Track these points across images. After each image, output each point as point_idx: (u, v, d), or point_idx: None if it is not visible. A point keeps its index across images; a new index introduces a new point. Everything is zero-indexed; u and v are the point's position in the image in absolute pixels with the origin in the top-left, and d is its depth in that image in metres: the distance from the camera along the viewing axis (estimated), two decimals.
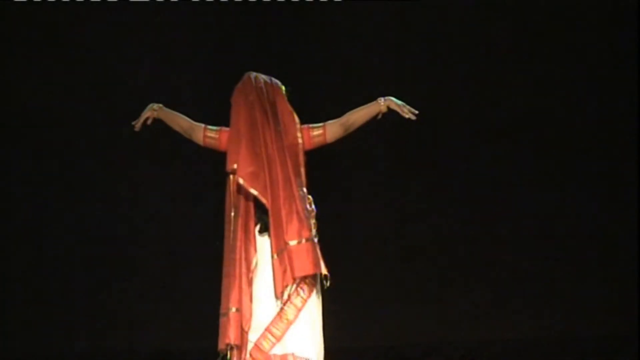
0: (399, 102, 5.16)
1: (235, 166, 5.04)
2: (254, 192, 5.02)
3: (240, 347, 4.99)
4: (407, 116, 5.13)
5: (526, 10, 7.83)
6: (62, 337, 7.70)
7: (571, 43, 7.84)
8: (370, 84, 7.46)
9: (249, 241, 5.04)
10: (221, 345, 4.99)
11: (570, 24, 7.85)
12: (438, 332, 7.77)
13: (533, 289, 7.88)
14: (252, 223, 5.06)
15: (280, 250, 4.98)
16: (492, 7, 7.82)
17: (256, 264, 5.03)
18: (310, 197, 5.14)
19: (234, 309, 4.97)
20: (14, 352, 7.60)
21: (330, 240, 5.15)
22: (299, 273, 4.96)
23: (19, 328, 7.65)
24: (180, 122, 5.25)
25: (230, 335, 4.95)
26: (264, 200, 5.02)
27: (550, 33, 7.85)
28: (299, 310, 4.99)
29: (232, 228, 5.06)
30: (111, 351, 7.66)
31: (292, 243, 4.97)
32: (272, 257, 5.01)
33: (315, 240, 5.04)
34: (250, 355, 4.98)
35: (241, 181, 5.02)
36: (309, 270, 4.96)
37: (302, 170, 5.13)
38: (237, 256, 5.01)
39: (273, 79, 5.24)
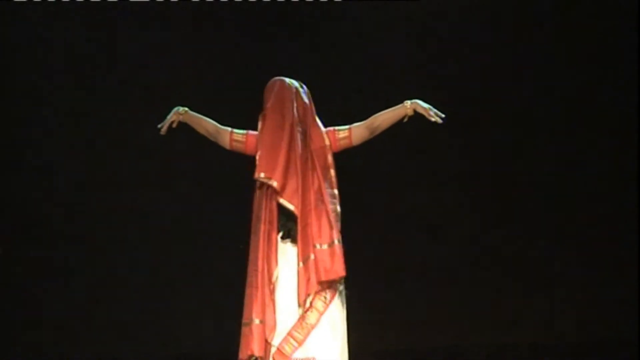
0: (426, 105, 5.14)
1: (262, 174, 5.03)
2: (283, 201, 5.03)
3: (264, 357, 4.98)
4: (433, 119, 5.12)
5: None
6: (77, 343, 7.70)
7: (578, 36, 7.85)
8: (395, 86, 7.46)
9: (270, 252, 5.02)
10: (243, 356, 4.99)
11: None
12: (460, 334, 7.77)
13: (537, 291, 7.89)
14: (274, 233, 5.05)
15: (306, 258, 4.98)
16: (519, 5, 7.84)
17: (277, 277, 5.02)
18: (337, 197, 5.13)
19: (257, 321, 4.97)
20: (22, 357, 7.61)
21: (352, 243, 5.12)
22: (328, 276, 4.95)
23: (24, 334, 7.65)
24: (206, 125, 5.25)
25: (253, 347, 4.94)
26: (291, 207, 5.02)
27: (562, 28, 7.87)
28: (321, 314, 4.98)
29: (256, 238, 5.05)
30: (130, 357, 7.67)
31: (321, 247, 4.97)
32: (298, 265, 5.01)
33: (341, 243, 5.03)
34: (273, 359, 4.97)
35: (274, 183, 5.00)
36: (338, 273, 4.96)
37: (332, 172, 5.13)
38: (260, 267, 5.00)
39: (300, 82, 5.25)
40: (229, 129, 5.22)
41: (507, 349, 7.68)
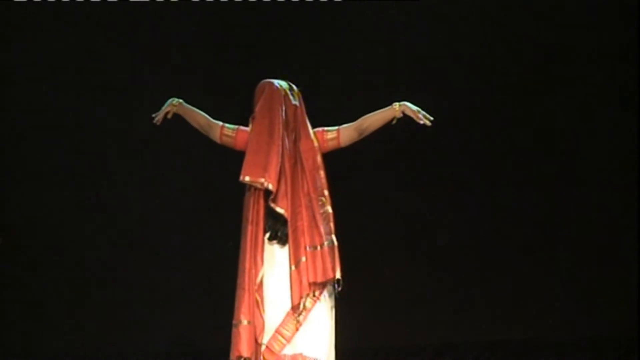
0: (414, 107, 5.17)
1: (247, 177, 5.06)
2: (272, 205, 5.06)
3: (253, 358, 5.06)
4: (422, 122, 5.14)
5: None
6: (69, 338, 7.81)
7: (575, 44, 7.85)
8: (383, 88, 7.49)
9: (257, 253, 5.07)
10: (233, 357, 5.07)
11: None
12: (449, 332, 7.81)
13: (536, 290, 7.91)
14: (261, 234, 5.09)
15: (298, 261, 5.04)
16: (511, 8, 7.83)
17: (262, 277, 5.08)
18: (327, 198, 5.15)
19: (245, 322, 5.04)
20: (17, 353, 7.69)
21: (342, 242, 5.16)
22: (319, 278, 5.01)
23: (20, 329, 7.76)
24: (198, 118, 5.28)
25: (241, 349, 5.03)
26: (281, 210, 5.06)
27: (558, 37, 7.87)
28: (309, 311, 5.04)
29: (244, 239, 5.10)
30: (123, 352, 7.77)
31: (312, 249, 5.03)
32: (290, 268, 5.05)
33: (335, 243, 5.08)
34: (263, 357, 5.05)
35: (270, 186, 5.02)
36: (329, 275, 5.01)
37: (322, 172, 5.16)
38: (247, 268, 5.06)
39: (289, 83, 5.27)
40: (220, 123, 5.25)
41: (501, 347, 7.73)
